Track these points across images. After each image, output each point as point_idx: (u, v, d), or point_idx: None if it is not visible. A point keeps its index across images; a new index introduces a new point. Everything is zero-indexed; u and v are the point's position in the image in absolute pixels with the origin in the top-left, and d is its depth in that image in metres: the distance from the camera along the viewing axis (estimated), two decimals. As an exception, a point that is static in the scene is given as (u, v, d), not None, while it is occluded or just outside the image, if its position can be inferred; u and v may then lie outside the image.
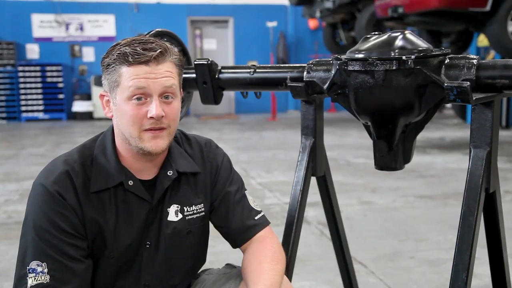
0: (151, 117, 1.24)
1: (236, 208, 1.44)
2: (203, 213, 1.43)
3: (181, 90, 1.35)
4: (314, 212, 3.92)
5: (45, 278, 1.22)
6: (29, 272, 1.22)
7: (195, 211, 1.41)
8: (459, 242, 1.35)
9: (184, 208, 1.39)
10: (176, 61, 1.30)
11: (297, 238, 1.68)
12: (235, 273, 1.45)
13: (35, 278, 1.22)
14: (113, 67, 1.25)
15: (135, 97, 1.24)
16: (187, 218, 1.39)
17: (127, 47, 1.24)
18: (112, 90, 1.27)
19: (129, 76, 1.23)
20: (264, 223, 1.46)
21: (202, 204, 1.42)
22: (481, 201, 1.37)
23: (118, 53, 1.24)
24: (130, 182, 1.31)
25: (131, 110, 1.25)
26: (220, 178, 1.46)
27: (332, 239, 1.92)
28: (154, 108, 1.24)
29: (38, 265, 1.23)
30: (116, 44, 1.28)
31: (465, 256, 1.33)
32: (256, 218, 1.45)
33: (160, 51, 1.25)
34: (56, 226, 1.24)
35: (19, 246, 1.28)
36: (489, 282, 1.57)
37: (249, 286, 1.30)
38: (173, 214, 1.37)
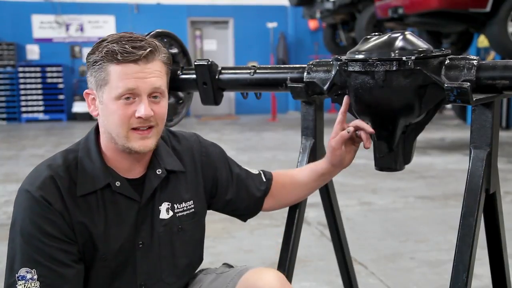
0: (139, 117, 1.24)
1: (249, 183, 1.54)
2: (193, 209, 1.43)
3: (168, 87, 1.34)
4: (314, 213, 3.92)
5: (35, 285, 1.21)
6: (18, 280, 1.21)
7: (185, 208, 1.41)
8: (459, 243, 1.35)
9: (175, 205, 1.39)
10: (165, 60, 1.29)
11: (297, 238, 1.68)
12: (232, 272, 1.45)
13: (24, 285, 1.20)
14: (100, 64, 1.22)
15: (123, 97, 1.22)
16: (177, 215, 1.39)
17: (115, 44, 1.21)
18: (99, 88, 1.25)
19: (118, 75, 1.21)
20: (268, 174, 1.60)
21: (192, 201, 1.42)
22: (481, 202, 1.36)
23: (106, 51, 1.21)
24: (117, 183, 1.30)
25: (119, 109, 1.23)
26: (221, 167, 1.50)
27: (332, 240, 1.92)
28: (143, 108, 1.23)
29: (27, 272, 1.21)
30: (102, 41, 1.25)
31: (465, 257, 1.33)
32: (263, 177, 1.58)
33: (150, 50, 1.23)
34: (44, 232, 1.22)
35: (7, 254, 1.26)
36: (489, 282, 1.57)
37: (299, 178, 1.57)
38: (164, 212, 1.37)
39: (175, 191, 1.39)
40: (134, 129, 1.25)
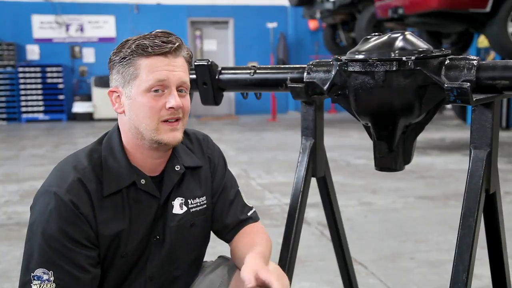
0: (170, 108, 1.26)
1: (232, 204, 1.49)
2: (205, 205, 1.45)
3: None
4: (314, 213, 3.92)
5: (50, 286, 1.21)
6: (34, 279, 1.21)
7: (198, 204, 1.43)
8: (459, 243, 1.35)
9: (188, 200, 1.41)
10: (188, 58, 1.33)
11: (297, 239, 1.69)
12: (228, 264, 1.48)
13: (40, 286, 1.21)
14: (129, 59, 1.26)
15: (153, 89, 1.25)
16: (191, 210, 1.41)
17: (143, 40, 1.25)
18: (126, 83, 1.27)
19: (149, 67, 1.25)
20: (256, 218, 1.53)
21: (204, 197, 1.45)
22: (481, 202, 1.37)
23: (137, 45, 1.25)
24: (142, 181, 1.32)
25: (149, 102, 1.26)
26: (217, 174, 1.50)
27: (332, 240, 1.92)
28: (173, 99, 1.26)
29: (44, 272, 1.22)
30: (127, 40, 1.29)
31: (465, 257, 1.33)
32: (249, 214, 1.51)
33: (178, 44, 1.27)
34: (67, 236, 1.23)
35: (23, 251, 1.26)
36: (489, 283, 1.57)
37: (242, 255, 1.35)
38: (177, 207, 1.39)
39: (189, 186, 1.42)
40: (163, 121, 1.28)
